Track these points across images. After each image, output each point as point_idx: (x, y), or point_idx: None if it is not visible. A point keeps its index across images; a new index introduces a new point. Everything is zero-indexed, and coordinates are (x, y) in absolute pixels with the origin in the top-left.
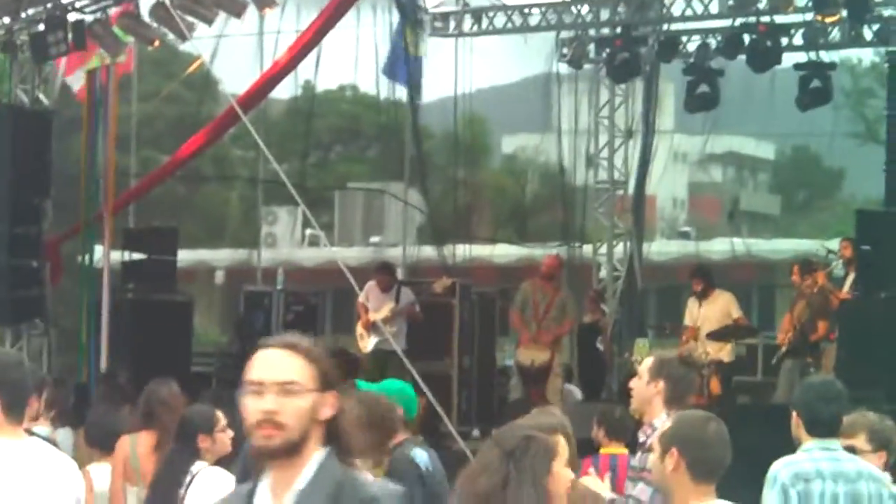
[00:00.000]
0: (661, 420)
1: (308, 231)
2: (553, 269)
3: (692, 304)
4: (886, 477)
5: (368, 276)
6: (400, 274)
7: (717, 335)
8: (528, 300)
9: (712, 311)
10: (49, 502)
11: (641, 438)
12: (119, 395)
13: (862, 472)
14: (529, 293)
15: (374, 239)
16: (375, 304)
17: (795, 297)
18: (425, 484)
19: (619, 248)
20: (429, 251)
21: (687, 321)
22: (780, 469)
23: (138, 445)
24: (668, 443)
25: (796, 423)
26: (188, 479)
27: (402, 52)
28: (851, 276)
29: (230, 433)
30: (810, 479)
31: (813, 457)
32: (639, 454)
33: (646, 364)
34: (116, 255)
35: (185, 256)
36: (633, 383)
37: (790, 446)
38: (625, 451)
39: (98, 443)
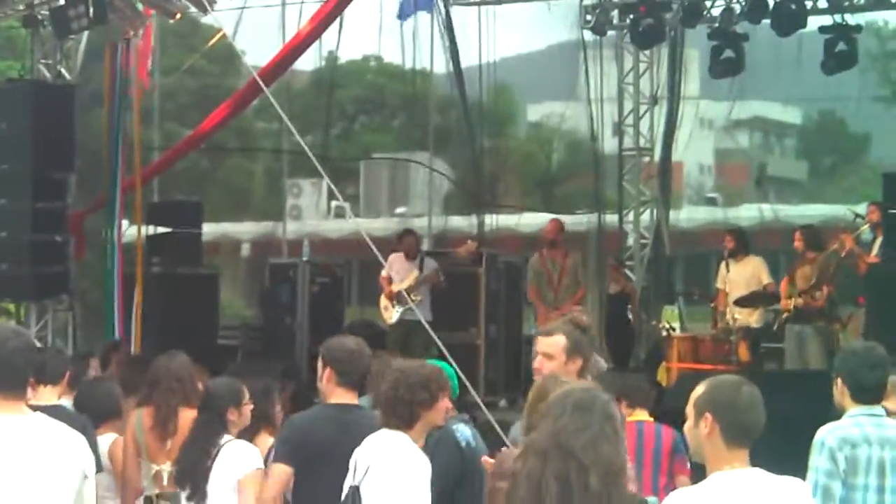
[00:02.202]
0: None
1: (333, 203)
2: (556, 235)
3: (722, 267)
4: None
5: (394, 247)
6: (426, 244)
7: (745, 301)
8: (542, 273)
9: (742, 274)
10: (54, 476)
11: None
12: (122, 368)
13: None
14: (539, 266)
15: (400, 210)
16: (400, 275)
17: (796, 263)
18: (465, 459)
19: (646, 216)
20: (455, 220)
21: (719, 284)
22: (827, 434)
23: (144, 418)
24: (703, 407)
25: (840, 390)
26: (216, 451)
27: None
28: (879, 240)
29: (251, 406)
30: (857, 444)
31: (859, 422)
32: None
33: (556, 345)
34: (141, 230)
35: (209, 229)
36: (543, 364)
37: (820, 412)
38: (649, 417)
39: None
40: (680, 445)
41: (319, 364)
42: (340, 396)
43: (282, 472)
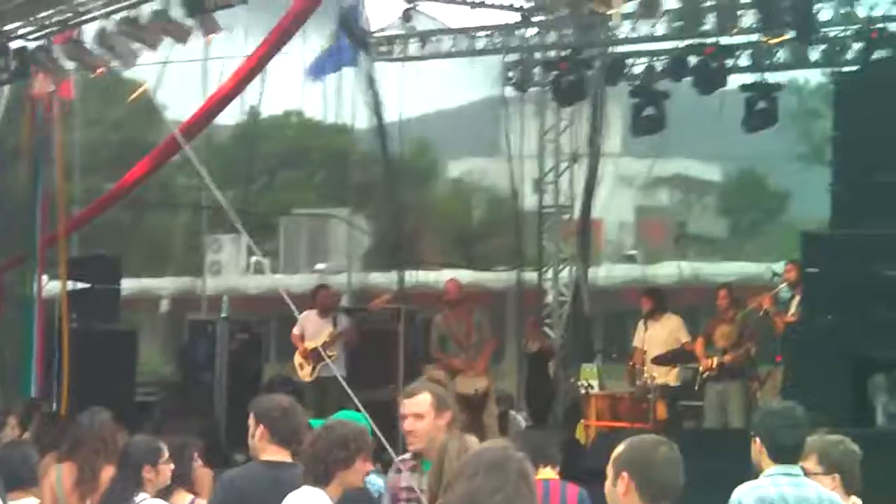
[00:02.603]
0: None
1: (253, 258)
2: (456, 295)
3: (640, 326)
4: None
5: (308, 304)
6: (345, 301)
7: (663, 359)
8: (446, 335)
9: (660, 334)
10: None
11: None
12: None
13: (823, 499)
14: (443, 327)
15: (320, 266)
16: (313, 332)
17: (713, 321)
18: None
19: (566, 273)
20: (375, 277)
21: (636, 343)
22: (744, 494)
23: (63, 476)
24: (620, 466)
25: (758, 449)
26: None
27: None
28: (797, 299)
29: (171, 466)
30: (774, 503)
31: (776, 482)
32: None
33: (423, 403)
34: (59, 285)
35: (129, 285)
36: (414, 426)
37: (739, 470)
38: (555, 475)
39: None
40: (586, 502)
41: (251, 421)
42: (273, 454)
43: None
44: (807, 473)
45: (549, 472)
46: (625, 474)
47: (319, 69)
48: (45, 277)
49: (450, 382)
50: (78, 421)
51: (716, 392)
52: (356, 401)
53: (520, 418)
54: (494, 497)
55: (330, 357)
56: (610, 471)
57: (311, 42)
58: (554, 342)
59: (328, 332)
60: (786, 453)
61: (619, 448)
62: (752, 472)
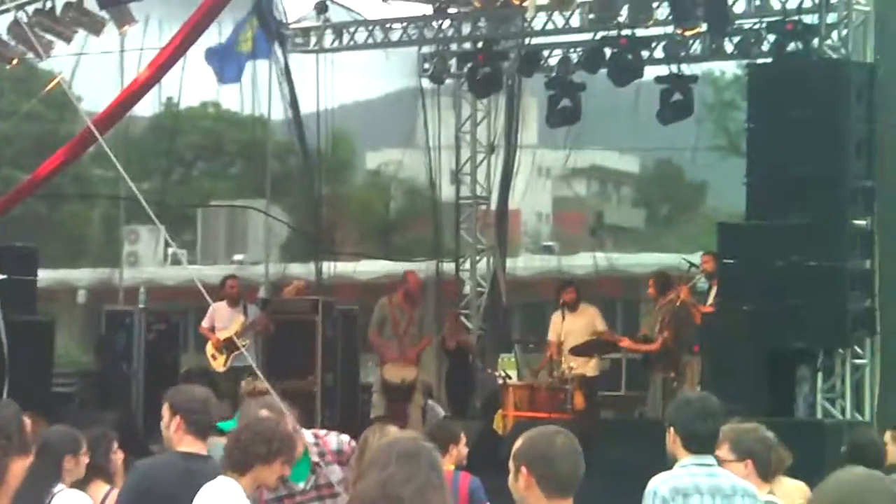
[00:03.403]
0: None
1: (170, 249)
2: (416, 288)
3: (556, 317)
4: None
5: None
6: (262, 291)
7: (581, 350)
8: (387, 318)
9: (577, 324)
10: None
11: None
12: None
13: (737, 488)
14: (387, 311)
15: (238, 256)
16: (224, 323)
17: (654, 311)
18: None
19: (483, 264)
20: (293, 268)
21: (551, 336)
22: (659, 484)
23: None
24: (519, 460)
25: (672, 439)
26: (48, 500)
27: (232, 52)
28: (714, 290)
29: (87, 455)
30: (689, 493)
31: (690, 472)
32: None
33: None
34: None
35: (45, 276)
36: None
37: (655, 460)
38: (450, 465)
39: None
40: (478, 493)
41: (165, 412)
42: (189, 445)
43: None
44: (720, 461)
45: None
46: (524, 468)
47: (230, 70)
48: None
49: (377, 369)
50: None
51: (653, 382)
52: (270, 388)
53: (438, 409)
54: (407, 486)
55: (243, 346)
56: (511, 465)
57: (225, 31)
58: (471, 337)
59: (239, 321)
60: (700, 443)
61: (518, 441)
62: (669, 463)
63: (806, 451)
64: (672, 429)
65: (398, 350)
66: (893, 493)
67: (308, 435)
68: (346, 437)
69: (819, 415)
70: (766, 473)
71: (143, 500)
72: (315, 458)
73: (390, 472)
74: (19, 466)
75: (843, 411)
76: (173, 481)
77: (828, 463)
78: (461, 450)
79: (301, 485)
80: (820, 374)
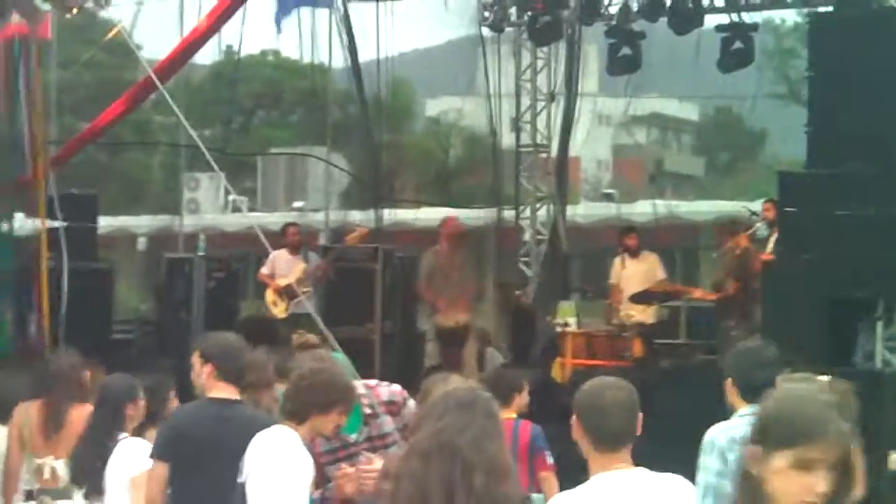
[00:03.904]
0: None
1: (231, 197)
2: (458, 233)
3: (617, 263)
4: None
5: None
6: (323, 238)
7: (640, 297)
8: (435, 268)
9: (638, 270)
10: None
11: None
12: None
13: None
14: (434, 262)
15: (298, 204)
16: (285, 270)
17: (717, 260)
18: None
19: (543, 212)
20: (353, 215)
21: (612, 280)
22: (717, 434)
23: (31, 414)
24: (573, 410)
25: (730, 390)
26: (113, 447)
27: None
28: (774, 238)
29: (144, 401)
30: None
31: (748, 422)
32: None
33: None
34: (36, 223)
35: (106, 223)
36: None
37: (713, 409)
38: (511, 414)
39: None
40: (538, 441)
41: (196, 360)
42: (221, 391)
43: (158, 470)
44: None
45: (504, 412)
46: (575, 418)
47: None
48: (20, 216)
49: (430, 319)
50: (46, 361)
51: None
52: (330, 336)
53: (498, 356)
54: (462, 435)
55: (304, 293)
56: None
57: None
58: (527, 293)
59: (300, 268)
60: (756, 392)
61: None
62: (728, 412)
63: (865, 400)
64: (729, 379)
65: (449, 297)
66: (824, 401)
67: (359, 386)
68: (397, 387)
69: (879, 364)
70: None
71: (178, 444)
72: (367, 410)
73: (446, 421)
74: (79, 413)
75: None
76: (207, 426)
77: (887, 412)
78: (524, 398)
79: (354, 436)
80: (880, 324)
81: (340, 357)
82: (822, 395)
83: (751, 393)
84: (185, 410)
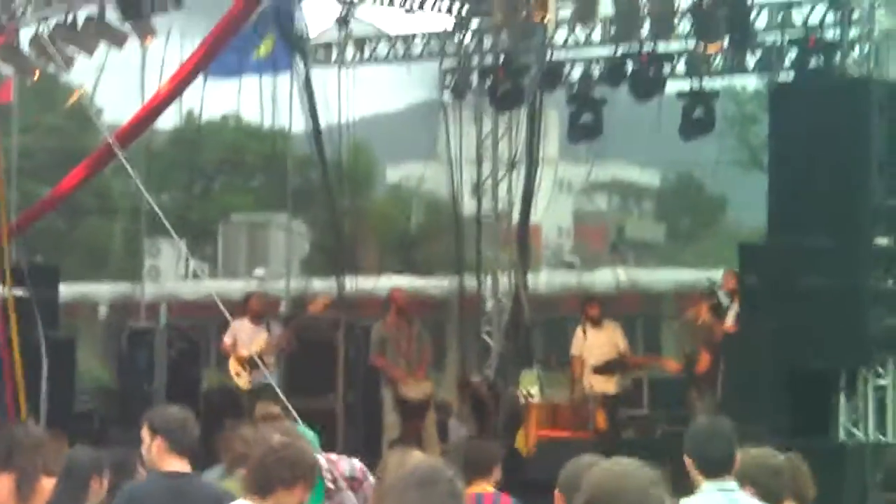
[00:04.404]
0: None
1: (191, 264)
2: (405, 302)
3: (579, 333)
4: None
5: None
6: (283, 307)
7: (603, 369)
8: (386, 339)
9: (600, 341)
10: None
11: None
12: None
13: None
14: (386, 334)
15: (259, 271)
16: (247, 340)
17: (677, 330)
18: None
19: (504, 280)
20: (315, 283)
21: (574, 351)
22: None
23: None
24: (557, 488)
25: (689, 466)
26: None
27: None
28: (735, 308)
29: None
30: None
31: (712, 499)
32: None
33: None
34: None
35: (67, 290)
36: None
37: (678, 482)
38: (489, 488)
39: None
40: None
41: (146, 433)
42: (174, 465)
43: None
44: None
45: (483, 486)
46: (557, 493)
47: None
48: None
49: (392, 388)
50: (12, 431)
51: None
52: (291, 409)
53: (461, 428)
54: None
55: (266, 365)
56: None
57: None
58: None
59: (262, 338)
60: (713, 467)
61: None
62: (692, 487)
63: (828, 474)
64: (686, 455)
65: (406, 368)
66: (648, 479)
67: (322, 460)
68: (357, 463)
69: (841, 436)
70: (771, 501)
71: None
72: (329, 485)
73: (408, 498)
74: (45, 486)
75: (865, 432)
76: (161, 501)
77: (849, 485)
78: (499, 470)
79: None
80: (842, 395)
81: (306, 431)
82: (645, 472)
83: (707, 467)
84: (138, 486)
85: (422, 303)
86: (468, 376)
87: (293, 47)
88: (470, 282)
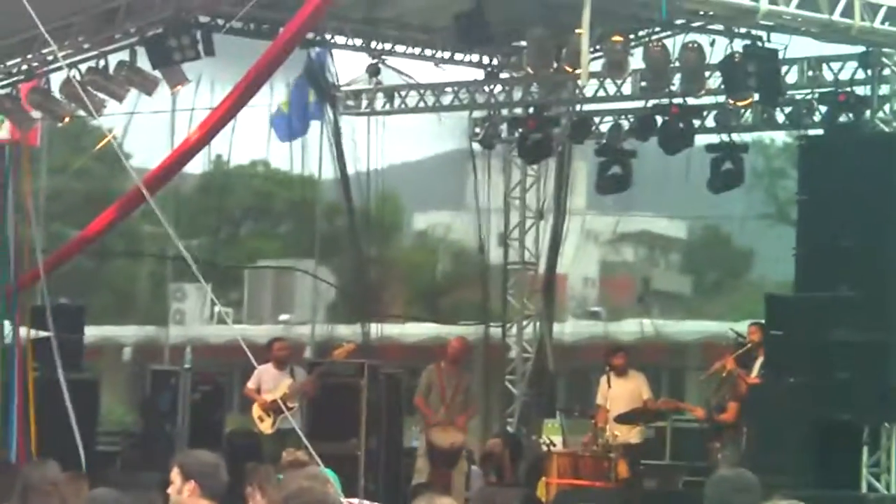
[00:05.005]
0: None
1: (217, 308)
2: (460, 353)
3: (603, 382)
4: None
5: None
6: (308, 352)
7: (626, 418)
8: (434, 385)
9: (624, 390)
10: None
11: None
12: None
13: None
14: (435, 378)
15: (284, 317)
16: (271, 385)
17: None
18: None
19: (530, 329)
20: (340, 329)
21: (599, 400)
22: None
23: None
24: None
25: None
26: None
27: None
28: (760, 360)
29: None
30: None
31: None
32: None
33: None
34: (23, 333)
35: (92, 332)
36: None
37: None
38: None
39: None
40: None
41: (176, 476)
42: None
43: None
44: None
45: None
46: None
47: (289, 129)
48: (7, 325)
49: (421, 434)
50: (27, 471)
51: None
52: (314, 453)
53: (481, 474)
54: None
55: (290, 409)
56: None
57: (277, 94)
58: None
59: (286, 384)
60: None
61: None
62: None
63: None
64: None
65: (445, 416)
66: None
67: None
68: None
69: (864, 489)
70: None
71: None
72: None
73: None
74: None
75: (887, 486)
76: None
77: None
78: None
79: None
80: (865, 449)
81: (331, 475)
82: None
83: None
84: None
85: (440, 353)
86: (490, 448)
87: (323, 96)
88: (495, 330)
